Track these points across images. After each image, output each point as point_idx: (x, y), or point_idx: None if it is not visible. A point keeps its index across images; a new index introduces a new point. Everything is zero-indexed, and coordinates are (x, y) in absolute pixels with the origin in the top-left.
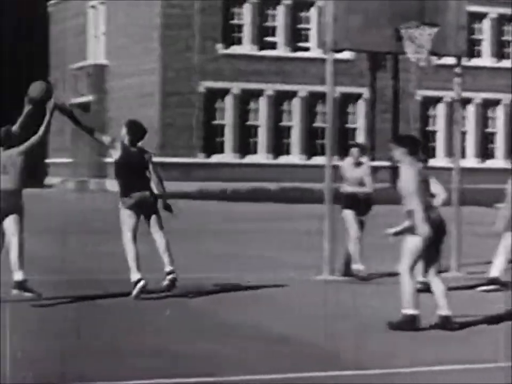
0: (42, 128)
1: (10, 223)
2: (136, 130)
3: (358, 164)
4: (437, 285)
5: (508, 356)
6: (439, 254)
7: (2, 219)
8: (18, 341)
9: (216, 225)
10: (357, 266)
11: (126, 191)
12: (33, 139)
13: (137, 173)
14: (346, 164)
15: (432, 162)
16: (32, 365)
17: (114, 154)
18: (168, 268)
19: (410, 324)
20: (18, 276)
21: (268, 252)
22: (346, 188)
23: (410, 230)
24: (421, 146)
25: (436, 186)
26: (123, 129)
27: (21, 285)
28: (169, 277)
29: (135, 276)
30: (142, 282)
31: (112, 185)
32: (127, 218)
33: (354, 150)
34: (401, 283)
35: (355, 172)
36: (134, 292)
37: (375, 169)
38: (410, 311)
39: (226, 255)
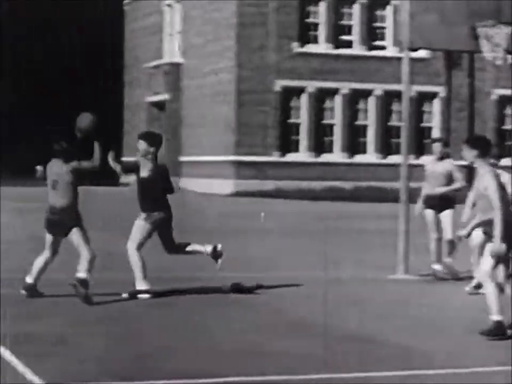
0: (95, 158)
1: (73, 237)
2: (157, 141)
3: (441, 158)
4: (510, 287)
5: None
6: (509, 256)
7: (65, 234)
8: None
9: (294, 225)
10: (435, 266)
11: (154, 206)
12: (86, 164)
13: (163, 186)
14: (428, 161)
15: (508, 162)
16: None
17: (142, 172)
18: (208, 248)
19: (499, 330)
20: (82, 274)
21: (341, 251)
22: (432, 190)
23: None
24: (493, 148)
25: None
26: (141, 143)
27: (82, 282)
28: (217, 250)
29: (140, 284)
30: (147, 295)
31: (187, 183)
32: (146, 232)
33: (436, 145)
34: (484, 288)
35: (438, 167)
36: (126, 295)
37: None
38: (497, 317)
39: (307, 253)
